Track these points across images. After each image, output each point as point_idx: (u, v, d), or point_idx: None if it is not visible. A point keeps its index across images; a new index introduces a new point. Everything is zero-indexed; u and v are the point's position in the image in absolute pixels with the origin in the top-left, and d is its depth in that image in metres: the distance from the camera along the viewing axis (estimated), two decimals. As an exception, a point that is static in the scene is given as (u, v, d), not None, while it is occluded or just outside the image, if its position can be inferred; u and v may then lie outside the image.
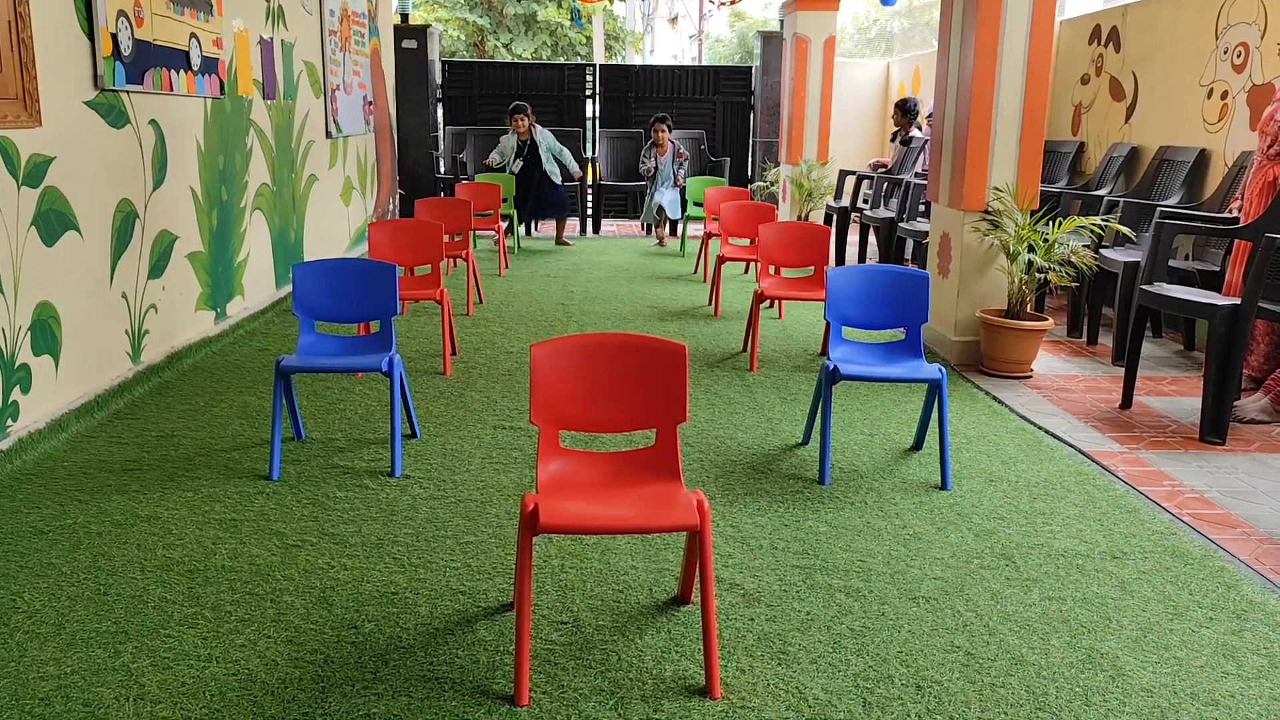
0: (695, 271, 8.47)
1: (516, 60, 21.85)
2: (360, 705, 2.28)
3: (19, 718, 2.22)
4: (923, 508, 3.47)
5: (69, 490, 3.52)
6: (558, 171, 9.73)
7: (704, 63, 29.43)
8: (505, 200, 9.36)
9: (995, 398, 4.84)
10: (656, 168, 10.06)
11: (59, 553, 3.03)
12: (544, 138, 9.67)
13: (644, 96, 12.81)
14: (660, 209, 10.11)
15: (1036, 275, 5.15)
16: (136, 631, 2.58)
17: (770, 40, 12.58)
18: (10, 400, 3.84)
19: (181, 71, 5.27)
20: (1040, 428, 4.37)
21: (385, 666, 2.44)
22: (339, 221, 8.54)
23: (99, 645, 2.51)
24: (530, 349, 2.57)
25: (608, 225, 12.05)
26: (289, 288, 7.00)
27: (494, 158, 9.73)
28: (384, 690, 2.34)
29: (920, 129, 9.23)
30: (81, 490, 3.52)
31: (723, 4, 14.98)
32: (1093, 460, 3.98)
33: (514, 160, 9.63)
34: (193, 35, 5.41)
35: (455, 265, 8.40)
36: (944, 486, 3.66)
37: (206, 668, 2.42)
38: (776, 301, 6.75)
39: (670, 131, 10.09)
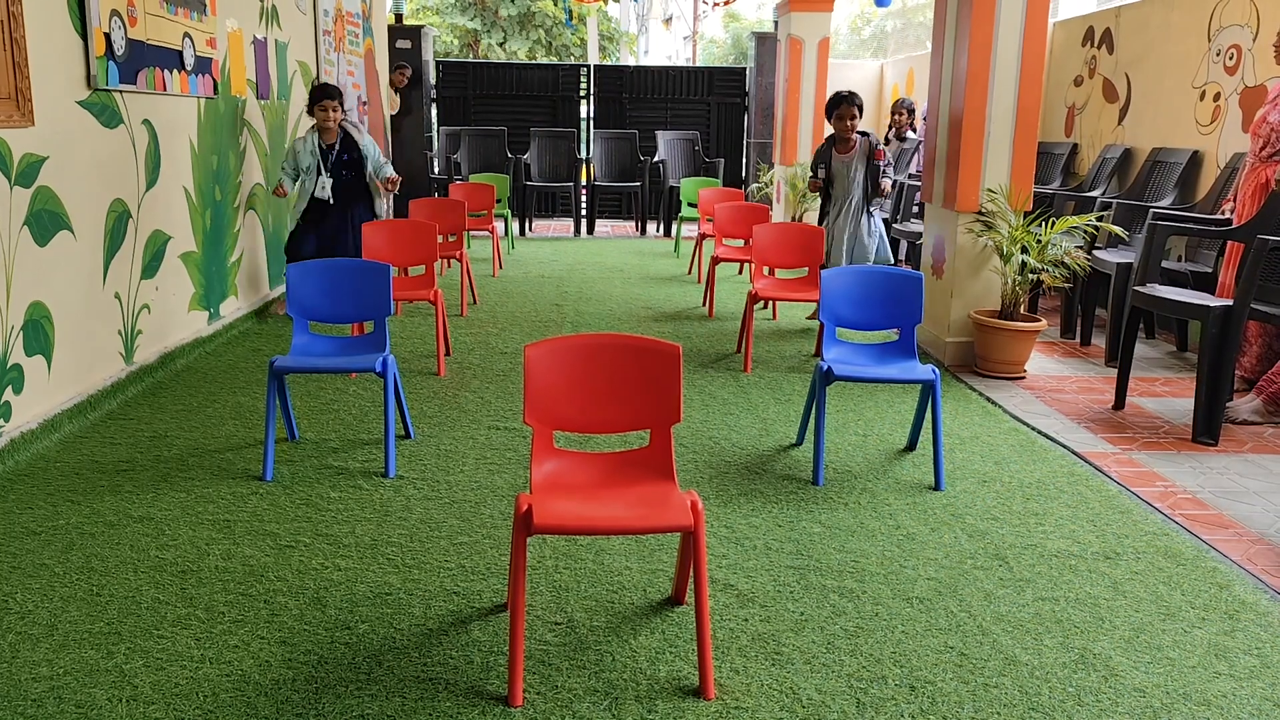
0: (689, 272, 8.48)
1: (510, 61, 21.83)
2: (354, 706, 2.28)
3: (12, 719, 2.21)
4: (916, 508, 3.48)
5: (61, 491, 3.51)
6: (380, 199, 6.34)
7: (698, 64, 29.45)
8: (500, 200, 9.31)
9: (989, 398, 4.85)
10: (829, 178, 6.09)
11: (51, 553, 3.02)
12: (368, 146, 6.21)
13: (638, 97, 12.82)
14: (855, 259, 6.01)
15: (1030, 276, 5.17)
16: (129, 632, 2.57)
17: (764, 41, 12.60)
18: (2, 401, 3.83)
19: (175, 71, 5.26)
20: (1033, 428, 4.38)
21: (379, 667, 2.44)
22: (333, 222, 8.51)
23: (92, 646, 2.51)
24: (524, 350, 2.57)
25: (602, 226, 12.05)
26: (283, 288, 6.98)
27: (284, 179, 6.07)
28: (378, 691, 2.34)
29: (914, 130, 9.25)
30: (74, 491, 3.51)
31: (717, 5, 14.99)
32: (1085, 461, 3.99)
33: (319, 176, 6.03)
34: (186, 35, 5.39)
35: (449, 265, 8.39)
36: (937, 487, 3.67)
37: (200, 669, 2.41)
38: (770, 302, 6.76)
39: (860, 118, 6.07)
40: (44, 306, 4.09)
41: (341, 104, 6.13)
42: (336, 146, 6.12)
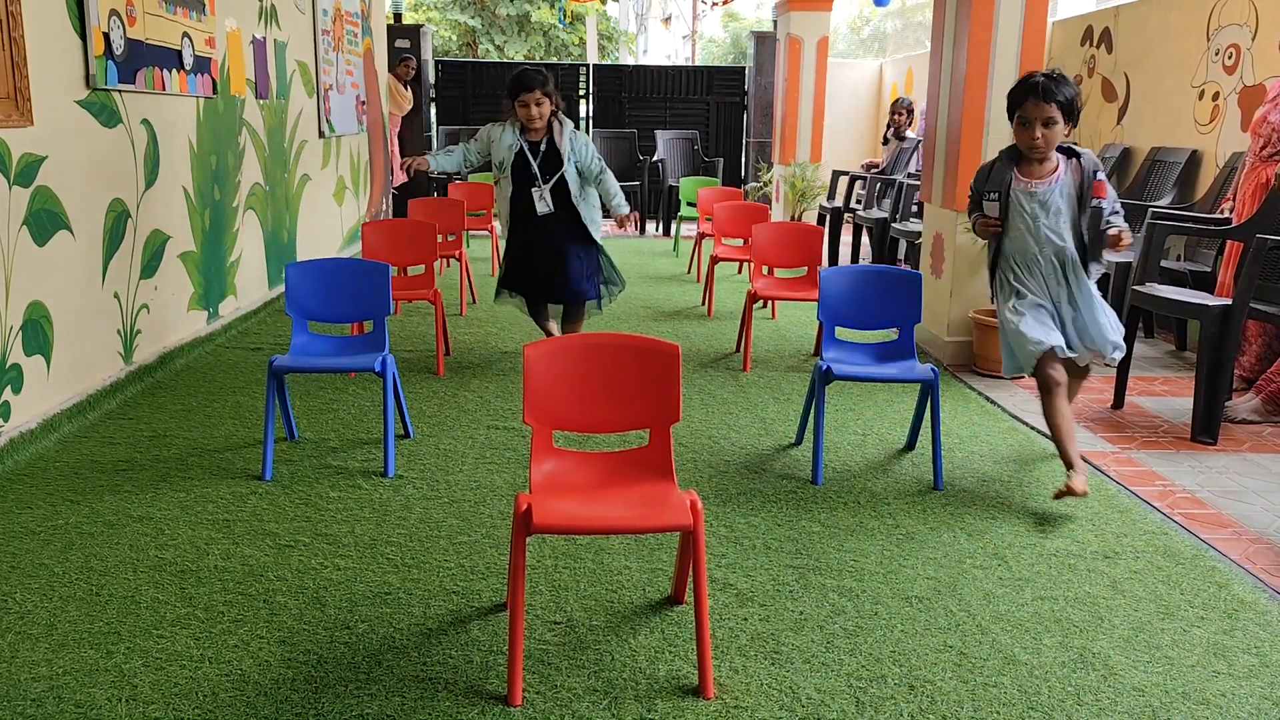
0: (688, 272, 8.48)
1: (510, 60, 21.82)
2: (354, 706, 2.28)
3: (11, 719, 2.21)
4: (915, 507, 3.48)
5: (61, 491, 3.51)
6: (596, 208, 5.10)
7: (697, 63, 29.45)
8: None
9: (988, 398, 4.85)
10: (1004, 217, 3.64)
11: (51, 553, 3.02)
12: (576, 141, 4.93)
13: (637, 97, 12.83)
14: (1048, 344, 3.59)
15: (1029, 276, 5.15)
16: (129, 632, 2.57)
17: (764, 41, 12.61)
18: (2, 400, 3.82)
19: (174, 71, 5.26)
20: (1032, 428, 4.38)
21: (379, 667, 2.44)
22: (332, 221, 8.53)
23: (91, 646, 2.51)
24: (524, 349, 2.57)
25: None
26: (282, 288, 6.98)
27: (433, 155, 5.11)
28: (377, 690, 2.34)
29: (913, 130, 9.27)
30: (73, 491, 3.51)
31: (716, 4, 15.00)
32: (1084, 460, 3.99)
33: (532, 186, 4.84)
34: (185, 34, 5.39)
35: (448, 265, 8.39)
36: (936, 486, 3.67)
37: (199, 668, 2.41)
38: (770, 302, 6.76)
39: (1073, 122, 3.54)
40: (43, 306, 4.09)
41: (549, 95, 4.76)
42: (542, 146, 4.82)
